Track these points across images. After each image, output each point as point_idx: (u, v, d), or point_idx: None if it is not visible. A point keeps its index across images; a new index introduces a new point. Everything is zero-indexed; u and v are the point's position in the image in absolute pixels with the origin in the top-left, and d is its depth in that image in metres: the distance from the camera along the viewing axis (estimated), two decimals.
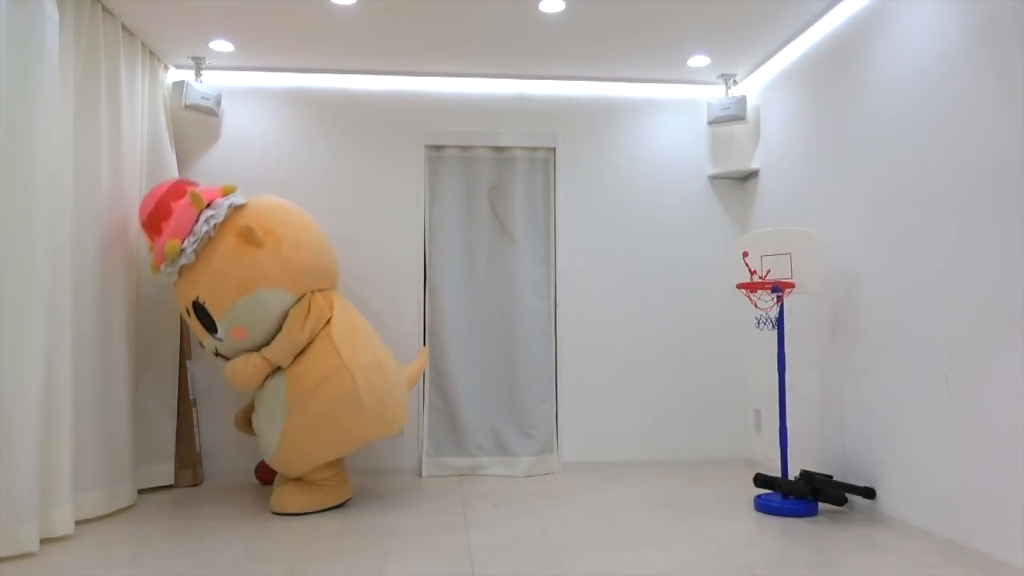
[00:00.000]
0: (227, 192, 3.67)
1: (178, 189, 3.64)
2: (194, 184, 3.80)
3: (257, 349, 3.66)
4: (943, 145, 3.08)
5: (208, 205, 3.57)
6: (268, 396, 3.65)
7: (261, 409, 3.69)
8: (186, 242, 3.51)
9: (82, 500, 3.44)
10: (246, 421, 4.11)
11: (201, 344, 3.79)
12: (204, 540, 3.23)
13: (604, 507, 3.81)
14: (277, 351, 3.55)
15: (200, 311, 3.58)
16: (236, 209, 3.62)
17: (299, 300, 3.66)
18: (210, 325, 3.60)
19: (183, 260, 3.52)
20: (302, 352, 3.60)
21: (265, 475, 4.38)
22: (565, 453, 4.78)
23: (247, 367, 3.56)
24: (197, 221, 3.53)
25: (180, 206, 3.56)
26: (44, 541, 3.14)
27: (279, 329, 3.62)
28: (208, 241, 3.55)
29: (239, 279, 3.51)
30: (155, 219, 3.59)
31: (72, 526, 3.23)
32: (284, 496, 3.65)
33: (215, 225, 3.54)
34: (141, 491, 4.12)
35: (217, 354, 3.80)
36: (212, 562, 2.93)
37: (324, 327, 3.65)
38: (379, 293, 4.70)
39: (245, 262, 3.53)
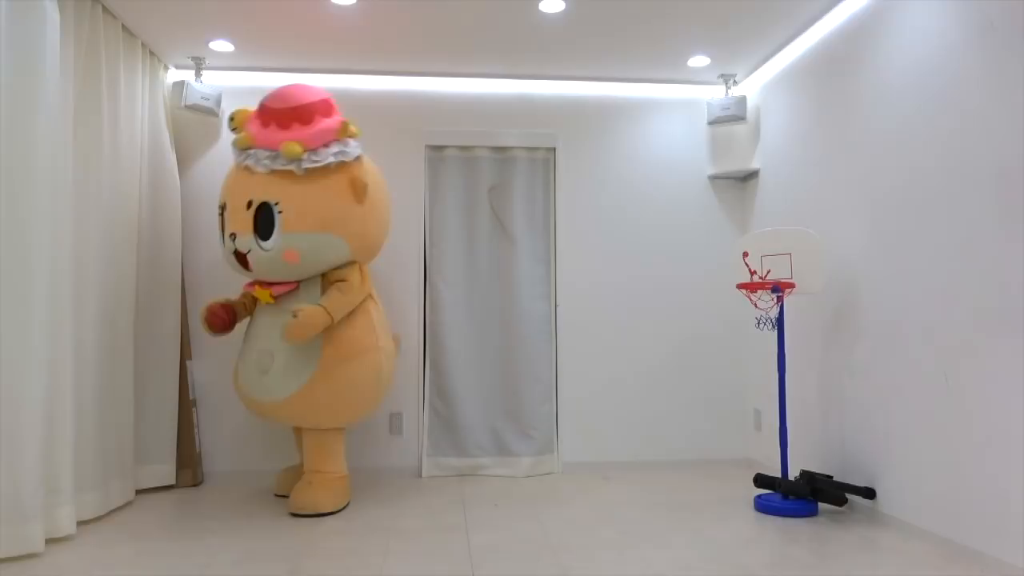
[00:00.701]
0: (355, 135, 3.76)
1: (328, 107, 3.70)
2: (337, 110, 3.77)
3: (293, 282, 3.68)
4: (943, 145, 3.08)
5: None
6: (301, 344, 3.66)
7: (284, 349, 3.63)
8: (306, 156, 3.54)
9: (82, 500, 3.44)
10: (229, 311, 3.83)
11: (232, 235, 3.57)
12: (204, 540, 3.23)
13: (604, 507, 3.81)
14: (338, 309, 3.60)
15: (267, 214, 3.53)
16: (357, 158, 3.73)
17: (349, 263, 3.77)
18: (266, 231, 3.54)
19: (291, 167, 3.54)
20: (345, 316, 3.71)
21: (216, 321, 3.80)
22: (565, 453, 4.78)
23: (317, 324, 3.47)
24: (329, 146, 3.60)
25: (326, 124, 3.61)
26: (48, 541, 3.13)
27: (315, 276, 3.72)
28: (323, 169, 3.60)
29: (328, 215, 3.59)
30: (291, 116, 3.58)
31: (74, 526, 3.23)
32: (316, 496, 3.62)
33: (340, 162, 3.63)
34: (141, 491, 4.12)
35: (238, 256, 3.60)
36: (212, 562, 2.93)
37: (366, 300, 3.82)
38: (379, 293, 4.68)
39: (341, 206, 3.63)
